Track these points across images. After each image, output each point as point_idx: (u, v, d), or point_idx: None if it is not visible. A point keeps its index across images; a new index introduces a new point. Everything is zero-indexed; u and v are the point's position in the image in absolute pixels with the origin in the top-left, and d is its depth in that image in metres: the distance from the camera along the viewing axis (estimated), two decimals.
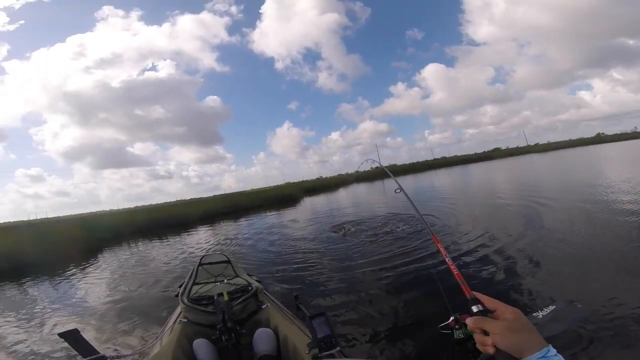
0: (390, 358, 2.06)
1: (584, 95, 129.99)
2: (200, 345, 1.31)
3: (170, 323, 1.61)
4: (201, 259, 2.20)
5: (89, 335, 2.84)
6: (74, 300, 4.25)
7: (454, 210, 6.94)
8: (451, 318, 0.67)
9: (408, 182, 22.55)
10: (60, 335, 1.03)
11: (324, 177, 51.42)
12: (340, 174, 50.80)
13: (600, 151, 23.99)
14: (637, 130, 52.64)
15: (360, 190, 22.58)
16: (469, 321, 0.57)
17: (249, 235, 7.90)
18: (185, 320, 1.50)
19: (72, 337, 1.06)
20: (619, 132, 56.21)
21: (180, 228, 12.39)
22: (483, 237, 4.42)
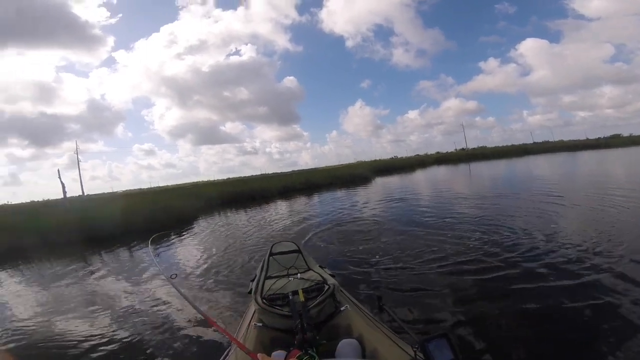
0: None
1: None
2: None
3: (245, 326, 1.54)
4: (271, 248, 2.13)
5: (172, 309, 3.09)
6: (167, 265, 4.84)
7: (556, 210, 5.74)
8: None
9: (498, 167, 19.70)
10: None
11: (399, 157, 48.94)
12: (417, 155, 47.60)
13: None
14: None
15: (440, 172, 20.79)
16: None
17: (318, 214, 8.11)
18: (261, 324, 1.43)
19: None
20: None
21: (261, 200, 13.70)
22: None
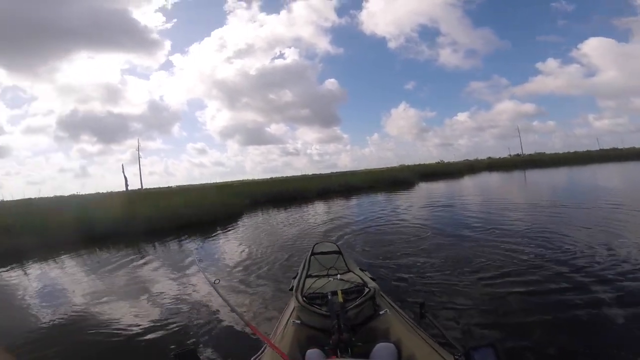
0: None
1: None
2: (313, 358, 1.21)
3: (283, 322, 1.59)
4: (313, 247, 2.18)
5: (211, 308, 3.12)
6: (212, 259, 5.08)
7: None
8: None
9: (558, 175, 17.62)
10: (176, 356, 1.05)
11: (445, 161, 46.23)
12: (467, 160, 44.56)
13: None
14: None
15: (491, 179, 19.26)
16: None
17: (357, 216, 8.00)
18: (299, 322, 1.46)
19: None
20: None
21: (301, 200, 13.96)
22: None
